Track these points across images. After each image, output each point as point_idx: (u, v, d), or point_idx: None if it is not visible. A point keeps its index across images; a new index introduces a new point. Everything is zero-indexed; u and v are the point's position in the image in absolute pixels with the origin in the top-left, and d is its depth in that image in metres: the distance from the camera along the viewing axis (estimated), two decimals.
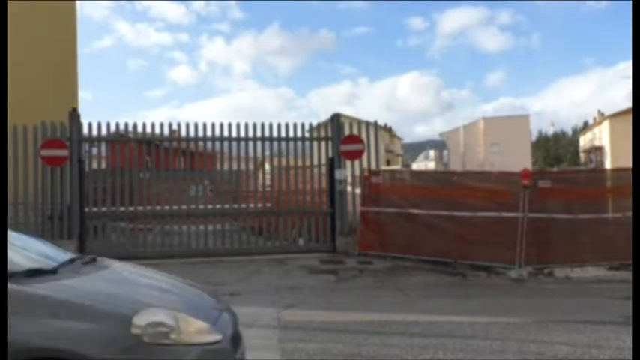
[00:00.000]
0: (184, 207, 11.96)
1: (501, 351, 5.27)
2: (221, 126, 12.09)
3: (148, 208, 11.80)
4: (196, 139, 12.30)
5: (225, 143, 12.30)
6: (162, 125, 12.12)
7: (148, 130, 12.04)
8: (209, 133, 12.09)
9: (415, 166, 73.05)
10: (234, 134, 12.11)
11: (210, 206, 12.27)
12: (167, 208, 11.85)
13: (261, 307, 7.46)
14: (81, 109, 12.68)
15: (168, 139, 12.59)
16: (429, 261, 10.62)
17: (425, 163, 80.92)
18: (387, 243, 11.26)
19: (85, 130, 11.83)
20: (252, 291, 8.58)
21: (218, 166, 13.33)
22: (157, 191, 12.11)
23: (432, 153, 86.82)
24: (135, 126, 11.97)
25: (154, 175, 12.30)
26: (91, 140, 12.11)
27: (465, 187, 11.33)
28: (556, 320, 6.57)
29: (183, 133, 12.28)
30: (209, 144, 12.72)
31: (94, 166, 12.84)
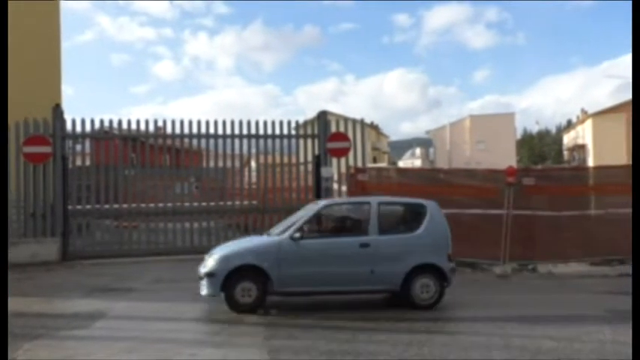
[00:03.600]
0: (170, 204, 11.90)
1: (486, 346, 5.31)
2: (207, 123, 12.04)
3: (133, 205, 11.72)
4: (182, 136, 12.23)
5: (211, 140, 12.24)
6: (147, 122, 12.06)
7: (133, 126, 11.96)
8: (195, 130, 12.03)
9: (401, 164, 73.22)
10: (220, 131, 12.07)
11: (196, 203, 12.22)
12: (152, 205, 11.78)
13: None
14: (63, 105, 12.54)
15: (153, 135, 12.51)
16: None
17: (411, 161, 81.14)
18: None
19: (69, 126, 11.71)
20: None
21: (204, 164, 13.28)
22: (143, 188, 12.04)
23: (418, 150, 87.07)
24: (120, 122, 11.88)
25: (139, 172, 12.24)
26: (75, 137, 11.98)
27: (451, 184, 11.41)
28: (539, 315, 6.64)
29: (168, 130, 12.19)
30: (195, 141, 12.65)
31: (78, 163, 12.70)
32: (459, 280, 9.44)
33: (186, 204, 12.15)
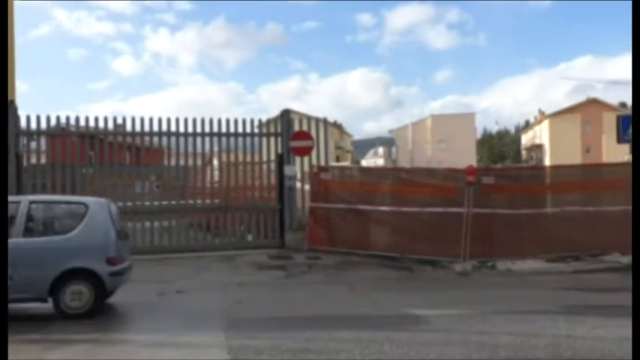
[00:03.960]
0: (130, 203, 11.66)
1: (445, 342, 5.39)
2: (168, 121, 11.87)
3: None
4: (143, 133, 12.00)
5: (173, 138, 12.06)
6: (106, 119, 11.79)
7: (92, 123, 11.68)
8: (156, 128, 11.83)
9: (364, 163, 73.73)
10: (181, 129, 11.90)
11: (156, 202, 12.02)
12: None
13: (209, 304, 7.38)
14: (17, 102, 12.14)
15: (112, 133, 12.24)
16: (377, 256, 10.76)
17: (374, 160, 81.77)
18: (336, 238, 11.34)
19: (23, 123, 11.36)
20: (200, 288, 8.48)
21: (165, 162, 13.06)
22: (101, 187, 11.74)
23: (381, 150, 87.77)
24: (77, 119, 11.59)
25: (97, 171, 11.94)
26: (30, 134, 11.62)
27: (413, 183, 11.55)
28: (498, 311, 6.77)
29: (128, 127, 11.96)
30: (156, 139, 12.43)
31: (33, 160, 12.32)
32: (419, 278, 9.63)
33: (147, 203, 11.95)
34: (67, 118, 11.54)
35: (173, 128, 11.87)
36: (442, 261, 10.49)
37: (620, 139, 12.27)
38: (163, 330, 6.07)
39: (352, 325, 6.17)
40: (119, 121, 12.05)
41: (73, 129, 11.77)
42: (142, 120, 11.83)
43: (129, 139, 12.39)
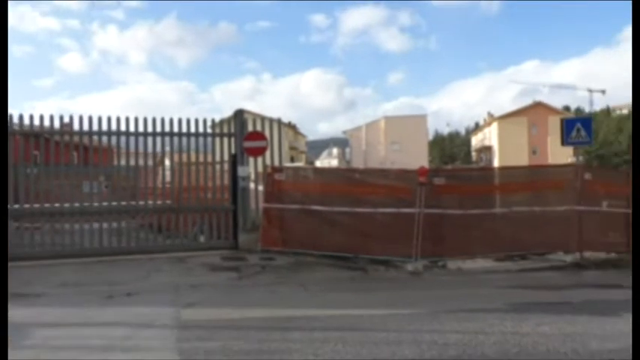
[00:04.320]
0: (77, 204, 11.32)
1: (397, 342, 5.47)
2: (118, 120, 11.56)
3: (36, 205, 11.05)
4: (91, 133, 11.65)
5: (123, 138, 11.77)
6: (52, 117, 11.39)
7: (36, 122, 11.25)
8: (105, 127, 11.51)
9: (319, 163, 74.01)
10: (132, 129, 11.62)
11: (105, 203, 11.71)
12: (57, 205, 11.16)
13: (160, 306, 7.24)
14: None
15: (59, 132, 11.84)
16: (330, 256, 10.80)
17: (328, 161, 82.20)
18: (290, 239, 11.33)
19: None
20: (150, 290, 8.31)
21: (115, 162, 12.73)
22: (47, 187, 11.36)
23: (335, 150, 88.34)
24: (21, 117, 11.16)
25: (42, 171, 11.53)
26: None
27: (366, 184, 11.66)
28: (448, 310, 6.92)
29: (76, 126, 11.59)
30: (105, 138, 12.10)
31: None
32: (372, 278, 9.73)
33: (95, 204, 11.62)
34: (11, 117, 11.11)
35: (123, 127, 11.58)
36: (395, 261, 10.62)
37: (564, 142, 12.75)
38: (112, 333, 5.92)
39: (305, 325, 6.18)
40: (66, 119, 11.68)
41: (16, 127, 11.33)
42: (91, 119, 11.48)
43: (76, 139, 12.02)
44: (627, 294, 8.54)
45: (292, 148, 64.11)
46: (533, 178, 12.62)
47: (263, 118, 13.25)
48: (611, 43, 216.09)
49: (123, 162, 12.19)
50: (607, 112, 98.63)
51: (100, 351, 5.30)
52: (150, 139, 11.85)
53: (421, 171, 11.24)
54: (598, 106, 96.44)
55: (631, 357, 4.90)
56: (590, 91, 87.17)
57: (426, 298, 8.06)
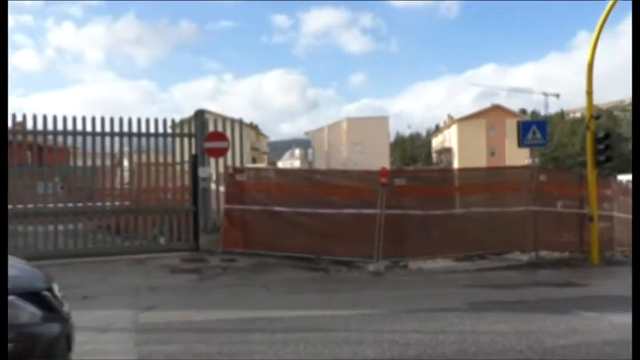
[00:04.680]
0: (31, 205, 10.98)
1: (359, 342, 5.50)
2: (74, 119, 11.27)
3: None
4: (46, 132, 11.30)
5: (80, 138, 11.47)
6: None
7: None
8: (60, 127, 11.20)
9: (281, 164, 73.86)
10: (89, 128, 11.34)
11: (61, 204, 11.39)
12: (11, 206, 10.79)
13: (118, 309, 7.09)
14: None
15: (12, 131, 11.45)
16: (292, 257, 10.78)
17: (290, 162, 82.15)
18: (252, 240, 11.27)
19: None
20: (108, 293, 8.13)
21: (71, 162, 12.41)
22: None
23: (297, 151, 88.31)
24: None
25: None
26: None
27: (329, 185, 11.70)
28: (409, 310, 7.00)
29: (29, 125, 11.23)
30: (61, 138, 11.76)
31: None
32: (334, 279, 9.76)
33: (50, 205, 11.29)
34: None
35: (80, 127, 11.29)
36: (357, 261, 10.69)
37: (521, 144, 13.09)
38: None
39: (267, 326, 6.15)
40: (19, 118, 11.32)
41: None
42: (45, 118, 11.15)
43: (30, 138, 11.65)
44: (580, 292, 8.86)
45: (254, 148, 63.77)
46: (492, 180, 12.91)
47: (224, 119, 13.13)
48: (565, 48, 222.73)
49: (80, 162, 11.90)
50: (561, 115, 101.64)
51: None
52: (108, 139, 11.58)
53: (382, 172, 11.33)
54: (553, 109, 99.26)
55: (584, 354, 5.07)
56: (545, 94, 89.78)
57: (387, 298, 8.14)
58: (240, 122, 12.89)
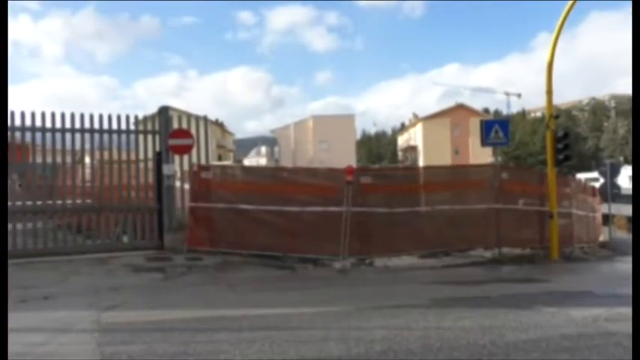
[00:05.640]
0: None
1: (324, 339, 5.50)
2: (32, 115, 10.95)
3: None
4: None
5: (39, 134, 11.16)
6: None
7: None
8: (18, 122, 10.87)
9: (247, 162, 73.46)
10: (48, 124, 11.04)
11: (19, 203, 11.07)
12: None
13: (79, 310, 6.93)
14: None
15: None
16: (258, 255, 10.74)
17: (256, 159, 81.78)
18: (217, 239, 11.17)
19: None
20: (68, 293, 7.93)
21: (30, 159, 12.06)
22: None
23: (263, 149, 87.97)
24: None
25: None
26: None
27: (295, 182, 11.68)
28: (374, 307, 7.04)
29: None
30: (18, 134, 11.42)
31: None
32: (301, 277, 9.76)
33: (8, 203, 10.95)
34: None
35: (39, 123, 10.98)
36: (323, 259, 10.71)
37: (484, 142, 13.33)
38: (27, 339, 5.60)
39: (232, 325, 6.10)
40: None
41: None
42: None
43: None
44: (541, 287, 9.07)
45: (220, 146, 63.25)
46: (455, 178, 13.10)
47: (189, 116, 12.96)
48: (525, 49, 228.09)
49: (39, 159, 11.57)
50: (523, 114, 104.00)
51: (15, 357, 5.00)
52: (68, 136, 11.30)
53: (348, 170, 11.37)
54: (515, 108, 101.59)
55: (544, 347, 5.19)
56: (507, 94, 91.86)
57: (353, 295, 8.17)
58: (206, 119, 12.76)
